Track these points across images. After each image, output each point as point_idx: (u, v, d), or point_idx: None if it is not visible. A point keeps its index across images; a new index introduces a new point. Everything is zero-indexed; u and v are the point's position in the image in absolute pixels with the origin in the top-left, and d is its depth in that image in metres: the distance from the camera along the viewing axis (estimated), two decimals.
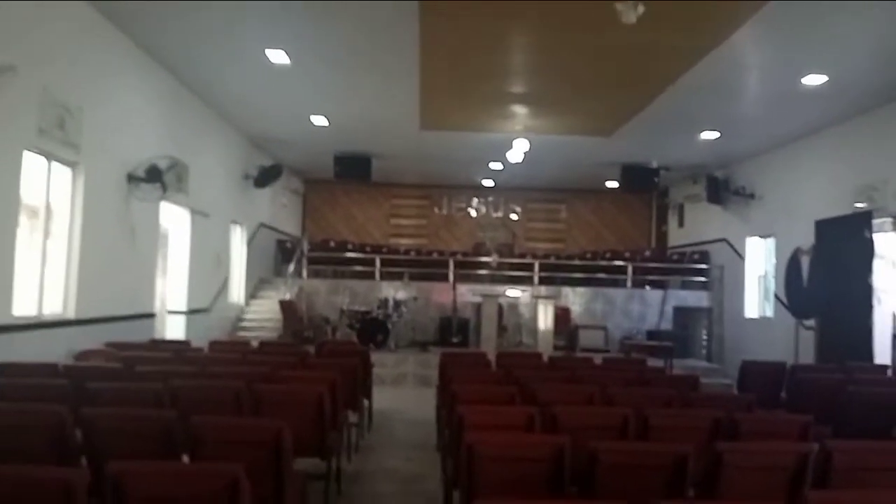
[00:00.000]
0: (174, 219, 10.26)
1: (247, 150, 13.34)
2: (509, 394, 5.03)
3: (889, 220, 9.52)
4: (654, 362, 11.52)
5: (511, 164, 14.76)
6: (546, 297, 12.70)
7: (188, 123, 10.35)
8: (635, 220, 19.28)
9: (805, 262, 10.91)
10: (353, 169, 14.38)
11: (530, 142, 12.47)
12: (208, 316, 11.37)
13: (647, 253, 16.58)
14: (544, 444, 3.52)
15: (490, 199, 18.81)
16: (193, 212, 10.52)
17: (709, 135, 11.89)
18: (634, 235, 19.09)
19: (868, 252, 9.52)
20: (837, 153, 10.89)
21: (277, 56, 8.52)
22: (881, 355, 9.42)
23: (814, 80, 8.73)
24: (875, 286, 9.51)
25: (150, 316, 9.24)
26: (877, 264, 9.51)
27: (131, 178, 8.24)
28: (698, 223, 16.24)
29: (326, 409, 4.87)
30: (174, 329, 10.32)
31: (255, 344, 8.53)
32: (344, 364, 6.42)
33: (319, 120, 11.61)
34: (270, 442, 3.68)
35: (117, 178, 8.05)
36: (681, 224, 17.27)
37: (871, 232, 9.50)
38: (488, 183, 17.87)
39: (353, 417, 6.80)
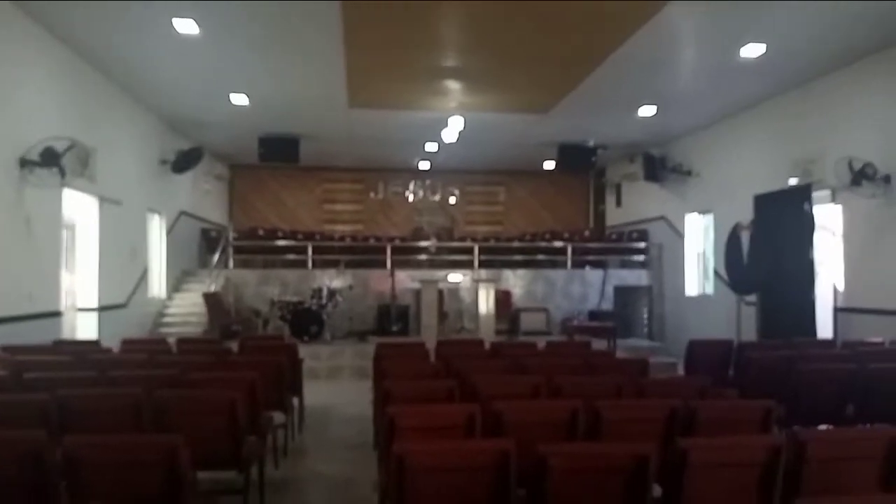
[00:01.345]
0: (81, 208, 9.39)
1: (163, 133, 12.41)
2: (448, 389, 4.56)
3: (827, 192, 9.43)
4: (598, 343, 11.33)
5: (447, 144, 14.28)
6: (486, 281, 12.30)
7: (93, 103, 9.44)
8: (573, 200, 19.07)
9: (745, 237, 10.78)
10: (279, 151, 13.59)
11: (466, 120, 12.02)
12: (125, 312, 10.52)
13: (587, 233, 16.37)
14: (486, 450, 3.04)
15: (427, 182, 18.29)
16: (102, 199, 9.65)
17: (646, 110, 11.63)
18: (573, 216, 18.87)
19: (808, 226, 9.41)
20: (775, 126, 10.78)
21: (186, 26, 7.74)
22: (823, 330, 9.36)
23: (752, 50, 8.49)
24: (816, 260, 9.42)
25: (55, 315, 8.39)
26: (816, 238, 9.42)
27: (24, 163, 7.38)
28: (636, 202, 16.11)
29: (241, 415, 4.29)
30: (86, 328, 9.48)
31: (172, 341, 7.82)
32: (268, 361, 5.84)
33: (239, 98, 10.83)
34: (163, 462, 3.10)
35: (5, 161, 7.18)
36: (618, 203, 17.12)
37: (810, 205, 9.40)
38: (425, 165, 17.31)
39: (280, 419, 6.24)
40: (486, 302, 12.03)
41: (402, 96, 11.01)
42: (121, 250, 10.43)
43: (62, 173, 7.57)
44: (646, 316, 14.57)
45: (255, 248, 14.89)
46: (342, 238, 15.99)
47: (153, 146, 12.02)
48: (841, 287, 9.36)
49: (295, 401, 7.05)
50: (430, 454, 2.99)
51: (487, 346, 7.38)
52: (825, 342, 7.82)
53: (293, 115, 12.14)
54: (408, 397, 4.41)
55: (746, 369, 6.47)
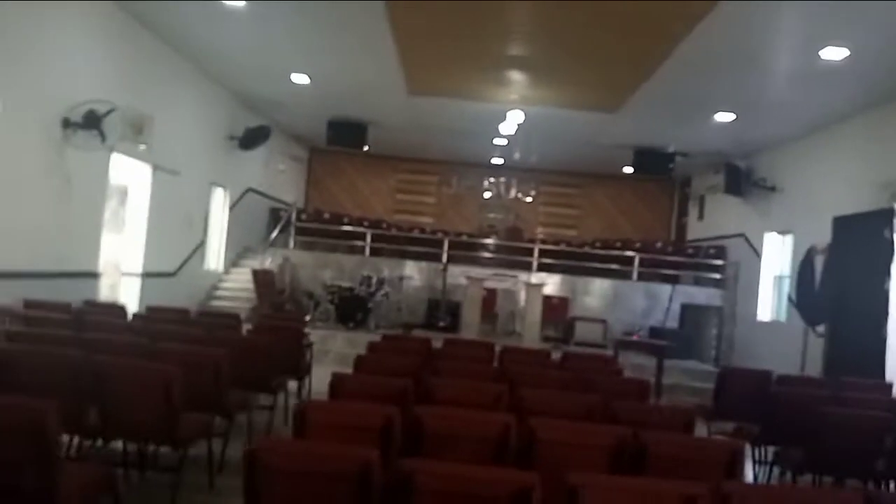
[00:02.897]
0: (134, 173, 9.66)
1: (233, 108, 12.64)
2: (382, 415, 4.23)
3: None
4: (646, 361, 10.67)
5: (516, 140, 13.84)
6: (535, 285, 11.80)
7: (152, 72, 9.64)
8: (655, 209, 18.13)
9: (819, 262, 9.80)
10: (347, 136, 13.60)
11: (532, 115, 11.58)
12: (173, 281, 10.78)
13: (659, 245, 15.48)
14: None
15: (502, 179, 17.87)
16: (157, 168, 9.90)
17: (723, 117, 10.79)
18: (653, 226, 17.95)
19: (886, 254, 8.41)
20: (863, 144, 9.73)
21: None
22: (894, 369, 8.34)
23: (833, 53, 7.61)
24: (892, 293, 8.40)
25: (93, 275, 8.66)
26: (895, 268, 8.40)
27: (67, 123, 7.61)
28: (718, 216, 15.08)
29: (175, 392, 4.14)
30: (130, 292, 9.77)
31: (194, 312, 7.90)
32: (244, 340, 5.71)
33: (300, 78, 10.83)
34: (29, 426, 2.97)
35: (46, 121, 7.41)
36: (700, 216, 16.11)
37: (891, 232, 8.38)
38: (497, 161, 16.91)
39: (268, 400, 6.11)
40: (532, 306, 11.55)
41: (462, 85, 10.71)
42: (175, 220, 10.68)
43: (102, 137, 7.75)
44: (714, 338, 13.65)
45: (317, 230, 14.97)
46: (400, 228, 15.81)
47: (221, 121, 12.27)
48: None
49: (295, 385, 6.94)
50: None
51: (498, 349, 6.97)
52: (880, 385, 6.90)
53: (355, 99, 12.08)
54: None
55: (773, 406, 5.78)
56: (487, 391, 4.39)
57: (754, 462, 5.88)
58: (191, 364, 4.95)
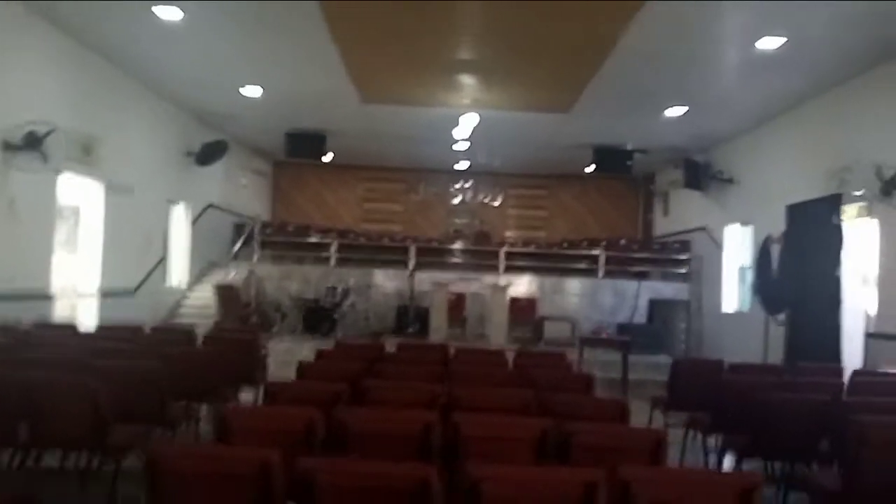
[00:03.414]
0: (86, 193, 9.55)
1: (188, 125, 12.55)
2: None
3: (862, 204, 8.48)
4: (614, 357, 10.69)
5: (476, 144, 13.90)
6: (500, 287, 11.82)
7: (100, 92, 9.56)
8: (621, 207, 18.24)
9: (776, 251, 9.89)
10: (306, 147, 13.57)
11: (485, 118, 11.63)
12: (133, 299, 10.66)
13: (623, 242, 15.57)
14: None
15: (468, 184, 17.92)
16: (109, 187, 9.80)
17: (674, 111, 10.89)
18: (620, 224, 18.04)
19: (836, 240, 8.50)
20: (812, 131, 9.89)
21: (168, 12, 7.70)
22: (852, 357, 8.42)
23: (770, 43, 7.72)
24: (844, 279, 8.49)
25: (45, 297, 8.53)
26: (846, 254, 8.48)
27: (7, 146, 7.51)
28: (681, 211, 15.22)
29: (103, 402, 4.08)
30: (88, 312, 9.63)
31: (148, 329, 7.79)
32: (184, 352, 5.66)
33: (251, 90, 10.77)
34: None
35: None
36: (665, 212, 16.24)
37: (839, 218, 8.48)
38: (462, 166, 16.95)
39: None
40: (499, 308, 11.56)
41: (413, 91, 10.71)
42: (132, 238, 10.56)
43: (44, 158, 7.65)
44: (683, 332, 13.73)
45: (282, 243, 14.90)
46: (367, 237, 15.77)
47: (177, 137, 12.18)
48: (873, 310, 8.39)
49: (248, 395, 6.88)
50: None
51: (452, 351, 6.95)
52: (829, 369, 6.94)
53: (310, 110, 12.05)
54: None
55: (721, 395, 5.80)
56: (424, 391, 4.37)
57: (705, 451, 5.90)
58: (127, 377, 4.93)
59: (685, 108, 10.74)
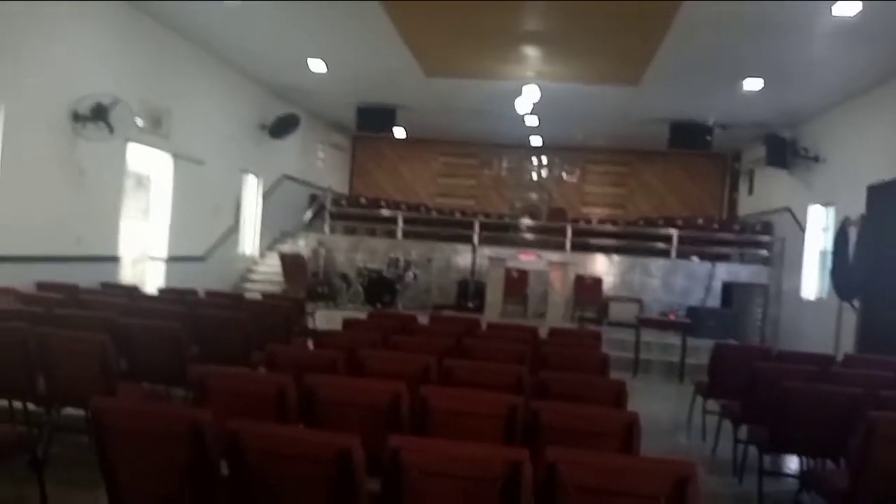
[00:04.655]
0: (157, 162, 10.03)
1: (263, 98, 12.92)
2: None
3: None
4: (677, 340, 10.32)
5: (546, 119, 13.60)
6: (561, 264, 11.57)
7: (170, 66, 9.97)
8: (705, 186, 17.41)
9: (853, 234, 9.19)
10: (376, 121, 13.68)
11: (552, 91, 11.34)
12: (203, 265, 11.16)
13: (700, 221, 14.88)
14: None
15: (544, 159, 17.59)
16: (178, 157, 10.24)
17: (752, 84, 10.23)
18: (705, 203, 17.26)
19: None
20: None
21: None
22: None
23: (846, 8, 7.09)
24: None
25: (113, 259, 9.07)
26: None
27: (77, 117, 7.98)
28: (766, 190, 14.37)
29: (109, 361, 4.30)
30: (157, 276, 10.18)
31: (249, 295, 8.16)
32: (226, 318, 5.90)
33: (317, 65, 10.95)
34: None
35: (57, 114, 7.78)
36: (750, 191, 15.37)
37: None
38: (536, 141, 16.64)
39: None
40: (558, 286, 11.35)
41: (475, 64, 10.56)
42: (201, 207, 11.03)
43: (110, 128, 8.08)
44: (760, 317, 13.07)
45: (353, 215, 15.17)
46: (430, 210, 15.82)
47: (250, 110, 12.57)
48: None
49: None
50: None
51: (484, 326, 6.89)
52: (887, 363, 6.38)
53: (376, 84, 12.13)
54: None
55: (753, 383, 5.48)
56: (416, 363, 4.35)
57: (735, 441, 5.61)
58: (148, 337, 5.19)
59: (761, 81, 10.07)
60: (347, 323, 6.35)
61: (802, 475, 4.45)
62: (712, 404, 6.49)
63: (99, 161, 8.49)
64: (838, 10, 7.15)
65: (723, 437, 6.08)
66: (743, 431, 5.41)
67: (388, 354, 4.74)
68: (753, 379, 5.46)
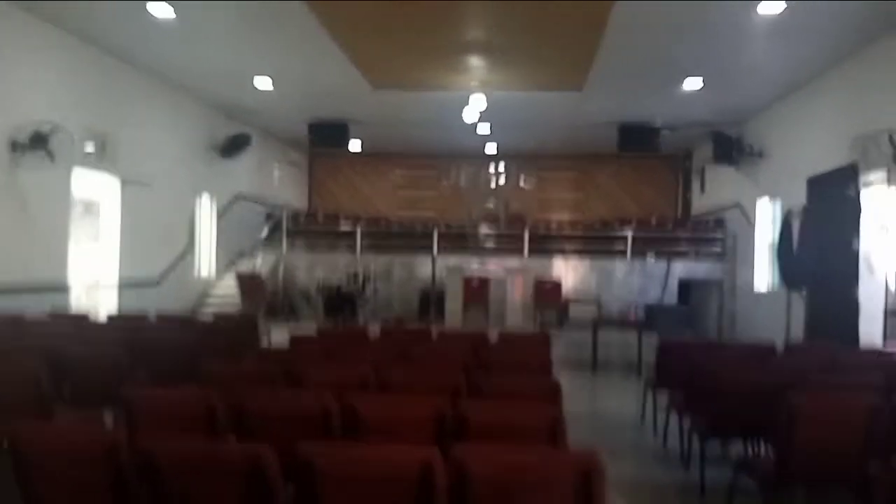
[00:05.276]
0: (104, 188, 9.93)
1: (214, 119, 12.88)
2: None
3: (881, 173, 7.97)
4: (632, 338, 10.45)
5: (498, 127, 13.76)
6: (521, 270, 11.69)
7: (111, 90, 9.89)
8: (660, 187, 17.69)
9: (796, 225, 9.43)
10: (329, 137, 13.69)
11: (501, 99, 11.52)
12: (157, 290, 11.05)
13: (654, 221, 15.14)
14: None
15: (500, 168, 17.75)
16: (126, 182, 10.15)
17: (692, 83, 10.47)
18: (659, 203, 17.53)
19: (854, 213, 8.01)
20: (836, 100, 9.32)
21: (161, 10, 7.89)
22: (873, 335, 7.95)
23: (770, 7, 7.32)
24: (862, 253, 8.01)
25: (62, 288, 8.94)
26: (866, 227, 8.00)
27: (14, 146, 7.88)
28: (716, 188, 14.67)
29: (42, 384, 4.27)
30: (110, 302, 10.05)
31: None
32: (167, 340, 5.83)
33: (263, 83, 10.95)
34: None
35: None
36: (702, 189, 15.67)
37: (857, 189, 7.99)
38: (491, 150, 16.79)
39: None
40: (517, 291, 11.45)
41: (421, 75, 10.65)
42: (152, 229, 10.92)
43: (51, 157, 7.99)
44: (717, 312, 13.30)
45: (313, 231, 15.15)
46: (402, 224, 15.87)
47: (200, 131, 12.51)
48: (894, 286, 7.90)
49: None
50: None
51: (434, 335, 6.93)
52: (825, 348, 6.57)
53: (326, 100, 12.17)
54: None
55: (692, 375, 5.59)
56: (354, 374, 4.37)
57: (680, 432, 5.71)
58: (89, 363, 5.14)
59: (700, 80, 10.31)
60: (295, 340, 6.33)
61: (736, 460, 4.54)
62: (663, 399, 6.60)
63: (42, 190, 8.39)
64: (763, 9, 7.38)
65: (674, 429, 6.18)
66: (687, 421, 5.52)
67: (327, 367, 4.75)
68: (693, 370, 5.58)
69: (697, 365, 5.50)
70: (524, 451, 2.71)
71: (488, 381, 4.23)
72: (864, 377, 4.71)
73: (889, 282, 7.95)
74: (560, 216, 17.46)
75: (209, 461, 2.61)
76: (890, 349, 6.43)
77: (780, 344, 6.79)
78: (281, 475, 2.60)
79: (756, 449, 4.84)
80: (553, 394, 4.19)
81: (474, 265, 12.45)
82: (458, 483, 2.51)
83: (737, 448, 5.88)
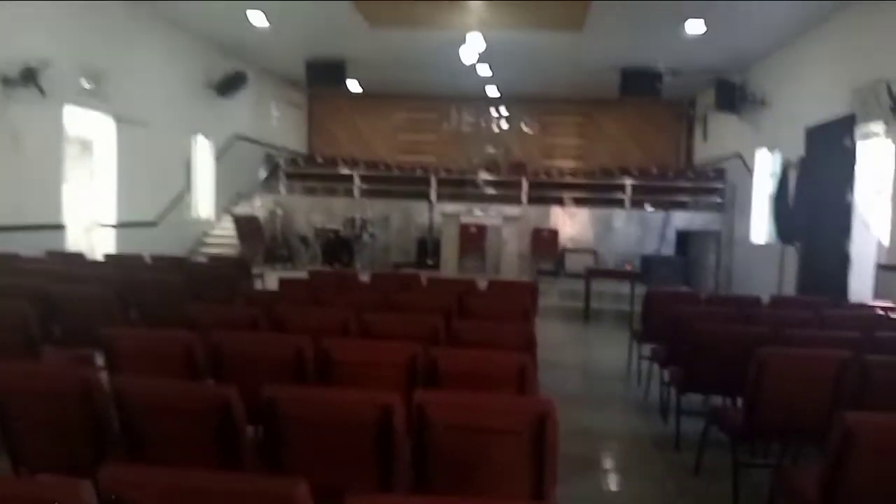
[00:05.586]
0: (98, 126, 9.86)
1: (210, 57, 12.67)
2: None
3: (880, 124, 7.85)
4: (626, 289, 10.49)
5: (499, 68, 13.55)
6: (518, 218, 11.67)
7: (106, 25, 9.73)
8: (664, 134, 17.48)
9: (793, 177, 9.36)
10: (326, 75, 13.47)
11: (499, 39, 11.25)
12: (155, 231, 11.09)
13: (654, 170, 15.02)
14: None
15: (502, 112, 17.54)
16: (120, 120, 10.08)
17: (694, 26, 10.22)
18: (664, 151, 17.35)
19: (849, 164, 7.95)
20: (839, 46, 9.12)
21: None
22: (863, 289, 7.98)
23: None
24: (856, 206, 7.98)
25: (57, 227, 8.98)
26: (859, 179, 7.94)
27: (5, 81, 7.81)
28: (719, 136, 14.50)
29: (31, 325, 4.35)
30: (107, 243, 10.10)
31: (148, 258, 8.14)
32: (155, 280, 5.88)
33: (257, 17, 10.70)
34: None
35: None
36: (704, 137, 15.50)
37: (852, 140, 7.90)
38: (493, 92, 16.54)
39: None
40: (512, 239, 11.46)
41: (418, 11, 10.38)
42: (148, 170, 10.89)
43: (41, 91, 7.93)
44: (714, 264, 13.33)
45: (312, 175, 15.10)
46: (402, 168, 15.80)
47: (196, 68, 12.32)
48: (886, 240, 7.87)
49: None
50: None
51: (424, 281, 6.98)
52: (810, 303, 6.60)
53: (322, 37, 11.95)
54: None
55: (674, 327, 5.64)
56: (335, 318, 4.42)
57: (661, 384, 5.81)
58: (80, 303, 5.21)
59: (702, 22, 10.06)
60: (284, 283, 6.40)
61: (708, 413, 4.63)
62: (647, 350, 6.68)
63: (34, 126, 8.35)
64: None
65: (655, 381, 6.28)
66: (666, 375, 5.61)
67: (311, 311, 4.81)
68: (674, 323, 5.63)
69: (679, 318, 5.56)
70: (484, 397, 2.77)
71: (467, 328, 4.29)
72: (842, 333, 4.75)
73: (881, 236, 7.93)
74: (563, 163, 17.34)
75: (179, 402, 2.68)
76: (876, 303, 6.44)
77: (767, 298, 6.85)
78: (247, 417, 2.68)
79: (733, 403, 4.91)
80: (528, 342, 4.25)
81: (475, 212, 12.40)
82: (419, 428, 2.58)
83: (717, 401, 5.99)
